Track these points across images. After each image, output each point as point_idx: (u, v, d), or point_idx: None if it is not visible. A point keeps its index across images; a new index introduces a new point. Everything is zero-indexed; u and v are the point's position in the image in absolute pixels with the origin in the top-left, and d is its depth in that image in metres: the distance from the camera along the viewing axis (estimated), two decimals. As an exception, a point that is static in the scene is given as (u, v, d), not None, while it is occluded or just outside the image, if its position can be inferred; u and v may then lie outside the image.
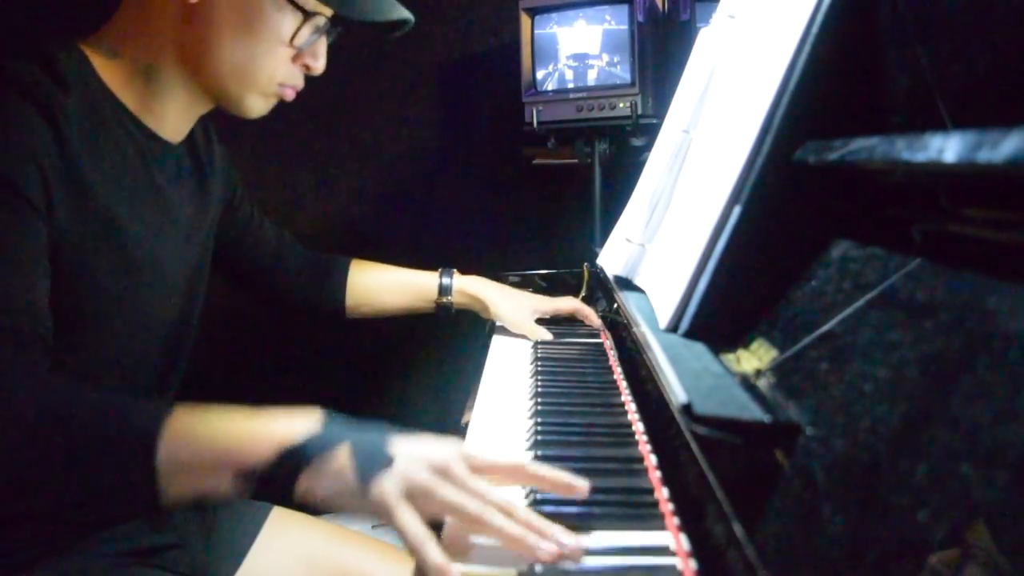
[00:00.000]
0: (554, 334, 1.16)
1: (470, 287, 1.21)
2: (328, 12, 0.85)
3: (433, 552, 0.52)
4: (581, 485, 0.57)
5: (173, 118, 0.88)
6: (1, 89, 0.72)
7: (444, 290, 1.20)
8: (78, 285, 0.77)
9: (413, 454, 0.57)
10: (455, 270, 1.22)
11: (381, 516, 0.56)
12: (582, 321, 1.24)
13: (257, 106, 0.88)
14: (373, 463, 0.57)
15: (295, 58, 0.86)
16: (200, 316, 1.01)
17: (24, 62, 0.74)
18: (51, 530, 0.83)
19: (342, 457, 0.57)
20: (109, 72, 0.82)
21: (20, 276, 0.70)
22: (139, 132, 0.85)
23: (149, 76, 0.83)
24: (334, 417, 0.61)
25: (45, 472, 0.61)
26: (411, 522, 0.54)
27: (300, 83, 0.89)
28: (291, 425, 0.60)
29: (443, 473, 0.56)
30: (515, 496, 0.60)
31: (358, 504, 0.56)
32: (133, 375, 0.87)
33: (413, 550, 0.53)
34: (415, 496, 0.55)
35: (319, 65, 0.89)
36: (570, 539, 0.52)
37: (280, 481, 0.58)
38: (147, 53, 0.82)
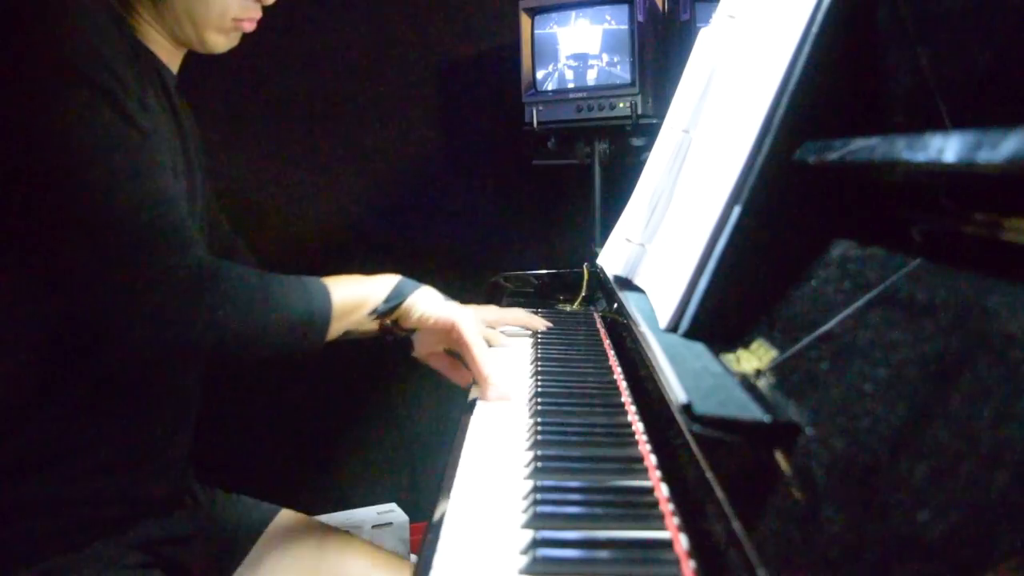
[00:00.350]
0: (555, 334, 1.16)
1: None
2: None
3: (484, 356, 0.88)
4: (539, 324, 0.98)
5: (167, 47, 0.93)
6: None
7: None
8: None
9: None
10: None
11: (453, 322, 0.90)
12: (578, 321, 1.23)
13: (219, 42, 0.92)
14: (444, 296, 0.93)
15: None
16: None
17: None
18: (65, 520, 0.84)
19: (426, 289, 0.94)
20: (116, 4, 0.87)
21: (159, 169, 0.78)
22: (150, 56, 0.90)
23: (138, 9, 0.89)
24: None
25: (256, 336, 0.80)
26: (473, 329, 0.91)
27: (256, 14, 0.92)
28: (390, 278, 0.93)
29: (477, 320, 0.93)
30: (515, 499, 0.61)
31: (441, 314, 0.92)
32: None
33: (474, 360, 0.88)
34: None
35: None
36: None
37: (392, 307, 0.91)
38: None
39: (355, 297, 0.88)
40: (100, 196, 0.73)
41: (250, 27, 0.92)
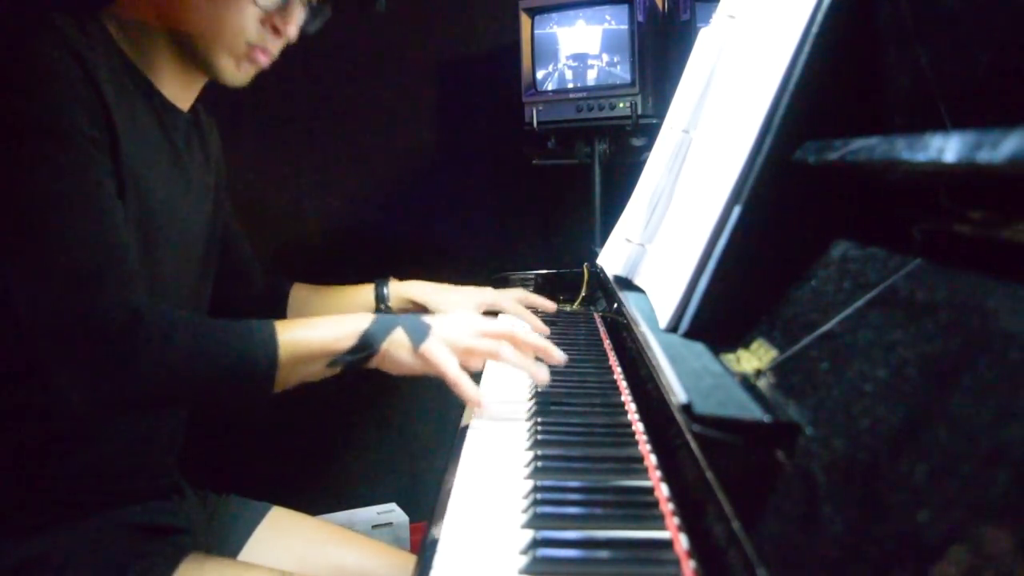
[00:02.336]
0: (555, 334, 1.16)
1: (407, 291, 1.18)
2: None
3: (468, 387, 0.78)
4: (559, 356, 0.84)
5: (177, 84, 0.92)
6: (45, 41, 0.75)
7: (381, 299, 1.17)
8: None
9: (442, 321, 0.84)
10: (392, 278, 1.20)
11: (430, 368, 0.80)
12: (578, 321, 1.23)
13: (229, 67, 0.89)
14: (419, 333, 0.82)
15: (264, 20, 0.87)
16: (211, 293, 1.03)
17: (63, 19, 0.79)
18: (70, 495, 0.86)
19: (398, 334, 0.82)
20: (122, 40, 0.86)
21: (107, 214, 0.77)
22: (155, 97, 0.89)
23: (149, 41, 0.87)
24: (381, 315, 0.85)
25: (189, 386, 0.77)
26: (451, 366, 0.79)
27: (272, 47, 0.90)
28: (359, 321, 0.82)
29: (466, 329, 0.83)
30: (515, 499, 0.61)
31: (413, 362, 0.81)
32: None
33: (453, 386, 0.79)
34: (451, 348, 0.81)
35: (290, 30, 0.90)
36: (558, 355, 0.84)
37: (360, 359, 0.81)
38: (141, 18, 0.86)
39: (311, 345, 0.80)
40: (36, 242, 0.73)
41: (264, 60, 0.90)
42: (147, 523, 0.90)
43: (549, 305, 1.22)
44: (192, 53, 0.88)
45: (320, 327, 0.82)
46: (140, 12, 0.86)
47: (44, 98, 0.74)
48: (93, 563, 0.83)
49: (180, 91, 0.93)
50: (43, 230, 0.73)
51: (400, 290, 1.19)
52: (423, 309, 1.19)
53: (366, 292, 1.19)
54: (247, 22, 0.86)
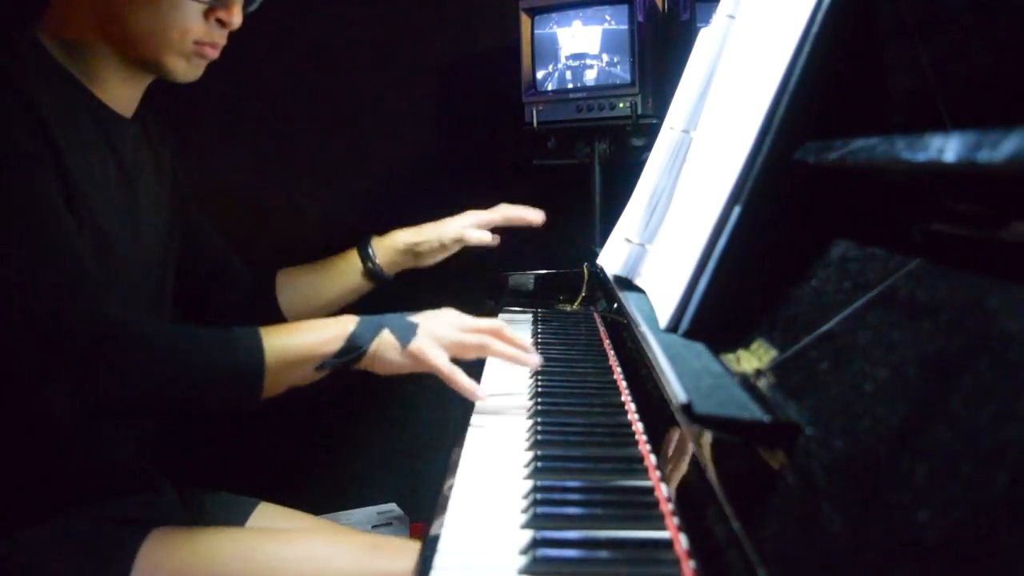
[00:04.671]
0: (555, 334, 1.16)
1: (389, 242, 1.17)
2: None
3: (463, 379, 0.79)
4: (535, 360, 0.85)
5: (121, 89, 0.90)
6: None
7: (367, 258, 1.16)
8: None
9: (427, 318, 0.84)
10: (374, 235, 1.19)
11: (420, 366, 0.80)
12: (578, 321, 1.23)
13: (179, 67, 0.87)
14: (406, 331, 0.82)
15: (207, 13, 0.86)
16: (172, 306, 1.01)
17: None
18: (44, 493, 0.86)
19: (385, 334, 0.82)
20: (60, 53, 0.85)
21: (59, 228, 0.76)
22: (97, 107, 0.87)
23: (88, 51, 0.86)
24: (366, 317, 0.84)
25: (174, 391, 0.77)
26: (442, 361, 0.80)
27: (219, 40, 0.89)
28: (345, 323, 0.82)
29: (452, 325, 0.83)
30: (515, 499, 0.61)
31: (403, 361, 0.81)
32: None
33: (448, 381, 0.79)
34: (440, 345, 0.81)
35: (233, 19, 0.88)
36: (534, 358, 0.85)
37: (348, 361, 0.81)
38: (79, 30, 0.85)
39: (299, 350, 0.80)
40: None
41: (213, 54, 0.89)
42: (119, 516, 0.89)
43: (534, 216, 1.19)
44: (139, 59, 0.87)
45: (306, 331, 0.82)
46: (77, 27, 0.85)
47: None
48: (60, 554, 0.82)
49: (124, 98, 0.91)
50: None
51: (384, 243, 1.17)
52: (413, 254, 1.18)
53: (351, 256, 1.17)
54: (191, 21, 0.85)
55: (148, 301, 0.95)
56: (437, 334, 0.82)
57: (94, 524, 0.86)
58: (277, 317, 1.16)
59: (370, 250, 1.16)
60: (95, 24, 0.85)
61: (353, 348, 0.81)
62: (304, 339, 0.81)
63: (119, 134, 0.91)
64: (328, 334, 0.81)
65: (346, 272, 1.17)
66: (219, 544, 0.86)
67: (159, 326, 0.79)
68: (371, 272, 1.16)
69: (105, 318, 0.75)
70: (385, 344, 0.81)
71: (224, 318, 1.14)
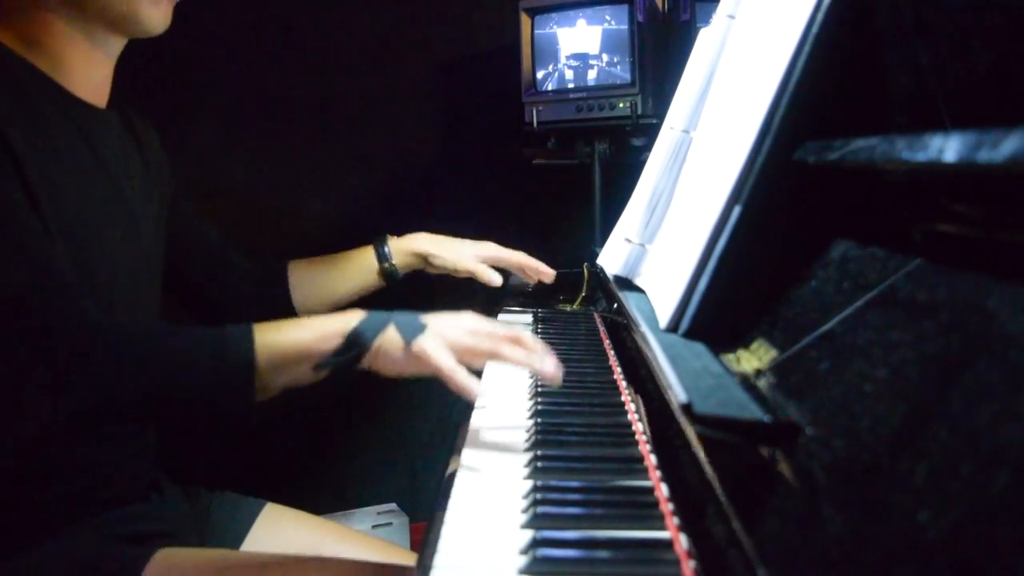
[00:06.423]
0: (555, 334, 1.16)
1: (408, 245, 1.17)
2: None
3: (463, 378, 0.72)
4: (553, 371, 0.74)
5: (88, 72, 0.87)
6: None
7: (383, 257, 1.16)
8: None
9: (439, 320, 0.77)
10: (389, 235, 1.19)
11: (424, 367, 0.74)
12: (578, 321, 1.23)
13: (153, 16, 0.85)
14: (412, 330, 0.76)
15: None
16: (160, 306, 0.99)
17: None
18: (47, 511, 0.84)
19: (390, 332, 0.76)
20: (19, 45, 0.82)
21: (25, 232, 0.74)
22: (66, 100, 0.84)
23: (47, 34, 0.83)
24: (372, 311, 0.79)
25: (165, 395, 0.75)
26: (445, 360, 0.73)
27: None
28: (347, 319, 0.76)
29: (465, 329, 0.76)
30: (515, 499, 0.61)
31: (405, 360, 0.75)
32: None
33: (447, 380, 0.72)
34: (447, 347, 0.74)
35: None
36: (553, 369, 0.74)
37: (349, 361, 0.75)
38: (35, 10, 0.82)
39: (295, 347, 0.75)
40: None
41: None
42: (125, 533, 0.88)
43: (547, 271, 1.20)
44: (112, 17, 0.84)
45: (303, 327, 0.77)
46: (34, 8, 0.82)
47: None
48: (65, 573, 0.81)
49: (92, 84, 0.88)
50: None
51: (401, 245, 1.17)
52: (426, 261, 1.18)
53: (366, 253, 1.17)
54: None
55: (139, 294, 0.92)
56: (447, 336, 0.76)
57: (97, 545, 0.85)
58: (288, 310, 1.16)
59: (387, 250, 1.17)
60: (57, 2, 0.82)
61: (354, 345, 0.75)
62: (299, 335, 0.75)
63: (94, 125, 0.88)
64: (326, 330, 0.76)
65: (361, 270, 1.17)
66: (225, 566, 0.85)
67: (141, 326, 0.76)
68: (386, 272, 1.17)
69: (81, 321, 0.73)
70: (389, 341, 0.76)
71: (231, 313, 1.13)
